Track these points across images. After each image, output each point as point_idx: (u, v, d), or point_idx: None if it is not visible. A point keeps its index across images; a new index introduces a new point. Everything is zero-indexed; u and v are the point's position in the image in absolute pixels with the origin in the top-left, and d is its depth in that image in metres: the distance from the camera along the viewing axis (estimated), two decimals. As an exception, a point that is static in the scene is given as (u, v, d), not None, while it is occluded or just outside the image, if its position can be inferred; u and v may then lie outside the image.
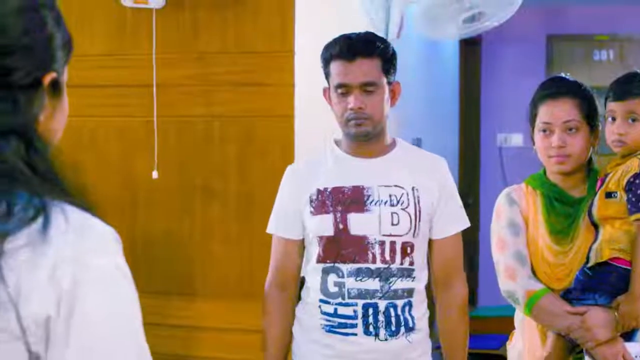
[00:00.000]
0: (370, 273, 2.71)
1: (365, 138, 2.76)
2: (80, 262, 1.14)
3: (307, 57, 3.36)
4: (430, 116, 6.02)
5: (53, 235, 1.13)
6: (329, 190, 2.76)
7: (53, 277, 1.12)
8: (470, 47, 7.22)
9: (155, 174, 3.58)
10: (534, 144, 2.80)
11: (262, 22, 3.51)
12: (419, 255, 2.78)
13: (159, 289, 3.61)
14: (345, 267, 2.72)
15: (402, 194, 2.76)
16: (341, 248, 2.73)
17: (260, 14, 3.51)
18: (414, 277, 2.75)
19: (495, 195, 2.92)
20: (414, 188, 2.77)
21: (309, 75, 3.37)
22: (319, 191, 2.77)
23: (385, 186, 2.76)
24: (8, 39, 1.19)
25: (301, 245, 2.86)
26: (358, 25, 3.16)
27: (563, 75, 2.87)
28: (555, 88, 2.76)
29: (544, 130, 2.72)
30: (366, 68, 2.71)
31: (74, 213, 1.17)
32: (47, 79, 1.24)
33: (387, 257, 2.72)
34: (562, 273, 2.70)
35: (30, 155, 1.18)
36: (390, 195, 2.75)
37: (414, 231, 2.75)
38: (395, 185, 2.77)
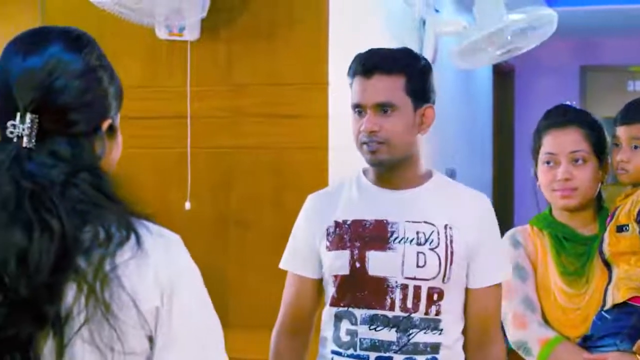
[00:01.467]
0: (386, 322, 2.32)
1: (382, 167, 2.40)
2: (172, 264, 1.47)
3: (341, 88, 3.35)
4: (465, 147, 6.00)
5: (148, 247, 1.45)
6: (348, 222, 2.40)
7: (156, 279, 1.45)
8: (503, 78, 7.21)
9: (188, 205, 3.58)
10: (537, 179, 2.61)
11: (296, 54, 3.52)
12: (451, 305, 2.37)
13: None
14: (360, 313, 2.35)
15: (432, 231, 2.35)
16: (357, 290, 2.36)
17: (293, 46, 3.52)
18: (441, 330, 2.34)
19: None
20: (447, 226, 2.36)
21: (342, 107, 3.36)
22: (337, 223, 2.42)
23: (413, 222, 2.36)
24: (72, 98, 1.44)
25: (318, 284, 2.51)
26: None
27: (569, 103, 2.69)
28: (561, 117, 2.59)
29: (548, 162, 2.56)
30: (382, 86, 2.34)
31: (150, 225, 1.49)
32: (105, 124, 1.51)
33: (409, 305, 2.32)
34: (577, 319, 2.50)
35: (102, 186, 1.45)
36: (417, 233, 2.35)
37: (444, 275, 2.34)
38: (425, 222, 2.37)
